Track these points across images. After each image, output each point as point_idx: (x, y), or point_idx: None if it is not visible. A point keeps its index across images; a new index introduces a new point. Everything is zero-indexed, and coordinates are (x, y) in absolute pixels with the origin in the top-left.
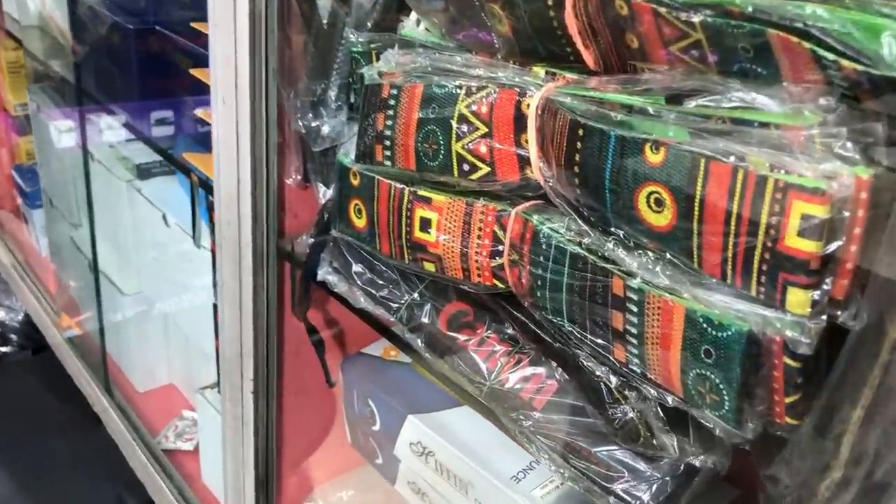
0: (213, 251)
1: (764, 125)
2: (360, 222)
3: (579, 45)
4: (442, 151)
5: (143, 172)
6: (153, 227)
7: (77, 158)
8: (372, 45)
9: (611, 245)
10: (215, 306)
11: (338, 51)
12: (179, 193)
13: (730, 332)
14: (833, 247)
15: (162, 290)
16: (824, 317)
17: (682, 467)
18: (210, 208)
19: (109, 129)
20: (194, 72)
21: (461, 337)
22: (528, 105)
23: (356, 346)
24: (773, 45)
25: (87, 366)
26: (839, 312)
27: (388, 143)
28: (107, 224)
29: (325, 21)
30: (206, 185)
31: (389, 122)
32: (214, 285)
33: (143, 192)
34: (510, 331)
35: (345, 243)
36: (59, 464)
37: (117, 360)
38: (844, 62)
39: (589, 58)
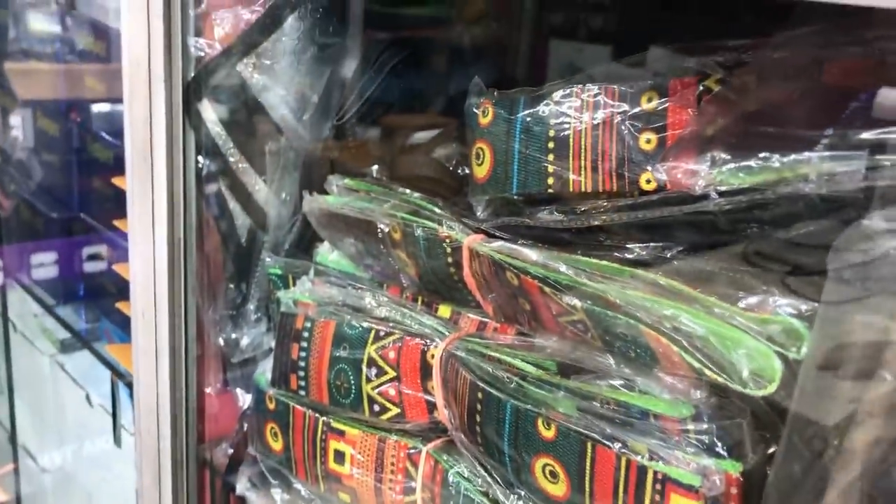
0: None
1: (644, 413)
2: (277, 446)
3: (478, 298)
4: (353, 391)
5: (67, 347)
6: (76, 405)
7: None
8: (288, 270)
9: (514, 503)
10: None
11: (256, 268)
12: (104, 371)
13: None
14: None
15: (84, 468)
16: None
17: None
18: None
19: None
20: (117, 267)
21: None
22: (433, 355)
23: None
24: (648, 338)
25: None
26: None
27: (302, 373)
28: (28, 397)
29: (243, 240)
30: (129, 381)
31: (303, 354)
32: (136, 489)
33: (66, 368)
34: None
35: (262, 461)
36: None
37: None
38: (706, 371)
39: (488, 308)
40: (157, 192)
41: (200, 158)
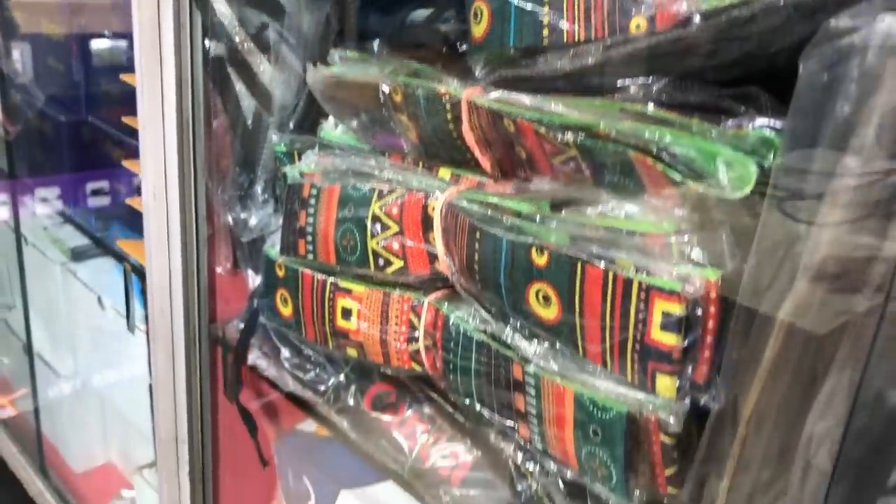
0: (148, 335)
1: (631, 233)
2: (287, 311)
3: (477, 154)
4: (359, 248)
5: (78, 255)
6: (88, 309)
7: (9, 240)
8: (294, 146)
9: (510, 333)
10: (151, 386)
11: (262, 148)
12: (115, 276)
13: (612, 414)
14: (691, 339)
15: (98, 370)
16: (688, 399)
17: None
18: (145, 293)
19: (43, 210)
20: (127, 163)
21: (384, 417)
22: (434, 208)
23: (291, 423)
24: (636, 163)
25: (21, 448)
26: (701, 395)
27: (309, 238)
28: (41, 305)
29: (249, 122)
30: (140, 272)
31: (310, 220)
32: (150, 370)
33: (77, 275)
34: (429, 410)
35: (273, 329)
36: None
37: (53, 441)
38: (690, 182)
39: (486, 164)
40: (166, 75)
41: (206, 40)
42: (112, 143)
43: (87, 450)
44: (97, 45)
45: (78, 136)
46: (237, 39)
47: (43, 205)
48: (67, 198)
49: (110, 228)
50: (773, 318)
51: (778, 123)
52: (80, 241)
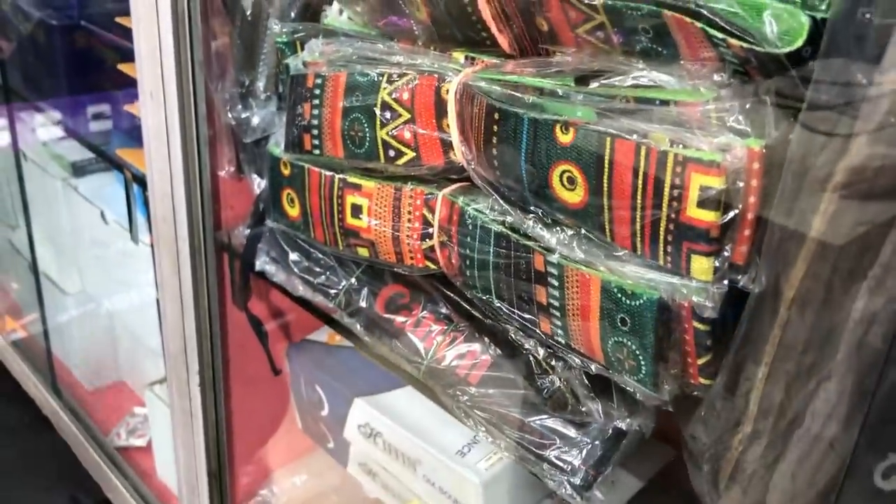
0: (152, 246)
1: (664, 103)
2: (294, 211)
3: (494, 31)
4: (368, 138)
5: (79, 170)
6: (92, 224)
7: (8, 158)
8: (296, 35)
9: (531, 223)
10: (159, 301)
11: (263, 42)
12: (116, 189)
13: (642, 301)
14: (731, 215)
15: (105, 287)
16: (726, 282)
17: (609, 431)
18: (147, 203)
19: (42, 126)
20: (122, 67)
21: (398, 318)
22: (448, 91)
23: (301, 332)
24: (670, 25)
25: (33, 368)
26: (740, 277)
27: (315, 132)
28: (45, 224)
29: (248, 12)
30: (142, 181)
31: (316, 112)
32: (156, 281)
33: (79, 190)
34: (445, 310)
35: (280, 233)
36: (9, 469)
37: (64, 361)
38: (732, 40)
39: (504, 42)
40: None
41: None
42: (107, 47)
43: (97, 368)
44: None
45: (71, 43)
46: None
47: (41, 123)
48: (67, 121)
49: (111, 141)
50: (823, 189)
51: None
52: (81, 155)
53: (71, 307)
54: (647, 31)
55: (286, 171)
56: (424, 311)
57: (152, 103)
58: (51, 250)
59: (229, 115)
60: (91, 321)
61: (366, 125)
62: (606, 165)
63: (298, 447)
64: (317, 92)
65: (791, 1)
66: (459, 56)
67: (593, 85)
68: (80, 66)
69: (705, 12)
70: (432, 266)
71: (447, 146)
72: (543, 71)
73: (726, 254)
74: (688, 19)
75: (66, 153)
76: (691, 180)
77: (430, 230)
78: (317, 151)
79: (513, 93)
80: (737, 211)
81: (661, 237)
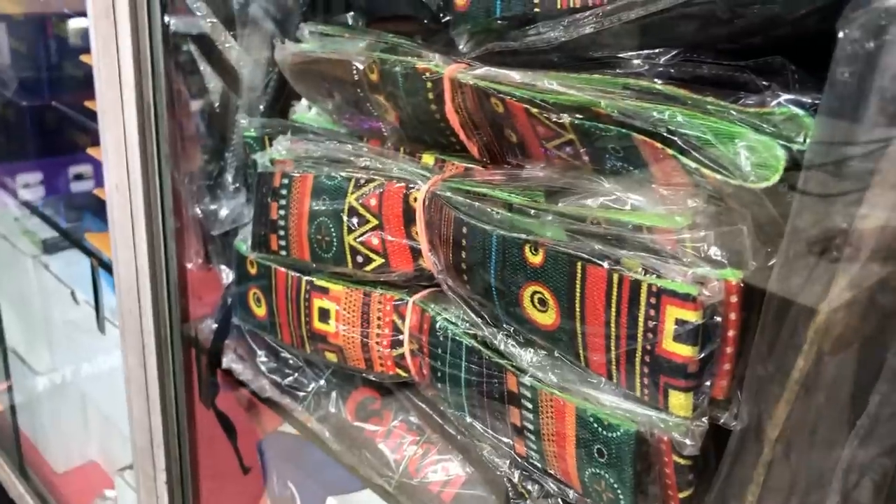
0: None
1: (637, 227)
2: (260, 311)
3: (462, 138)
4: (335, 243)
5: (50, 247)
6: (62, 304)
7: None
8: (264, 131)
9: (503, 339)
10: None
11: (231, 133)
12: (87, 269)
13: (619, 433)
14: (709, 350)
15: (76, 367)
16: (706, 418)
17: None
18: None
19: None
20: (92, 151)
21: (369, 427)
22: (416, 199)
23: (274, 423)
24: (641, 148)
25: None
26: (720, 414)
27: (282, 232)
28: (14, 300)
29: (216, 104)
30: (110, 268)
31: (282, 212)
32: (123, 373)
33: (50, 268)
34: (417, 420)
35: (248, 329)
36: None
37: (33, 440)
38: (706, 171)
39: (473, 148)
40: (122, 53)
41: (166, 17)
42: (77, 128)
43: (68, 449)
44: (59, 24)
45: (42, 123)
46: (199, 14)
47: (11, 195)
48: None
49: (82, 218)
50: (807, 324)
51: (807, 99)
52: (52, 232)
53: (40, 385)
54: (618, 151)
55: (253, 270)
56: (396, 420)
57: (118, 195)
58: (20, 327)
59: (197, 209)
60: (61, 400)
61: (333, 230)
62: (578, 290)
63: None
64: (283, 192)
65: (766, 131)
66: (429, 159)
67: (563, 202)
68: (51, 146)
69: (677, 140)
70: (404, 374)
71: (417, 253)
72: (512, 183)
73: (705, 389)
74: (658, 145)
75: (37, 230)
76: (666, 313)
77: (401, 337)
78: (283, 252)
79: (482, 206)
80: (715, 345)
81: (637, 369)
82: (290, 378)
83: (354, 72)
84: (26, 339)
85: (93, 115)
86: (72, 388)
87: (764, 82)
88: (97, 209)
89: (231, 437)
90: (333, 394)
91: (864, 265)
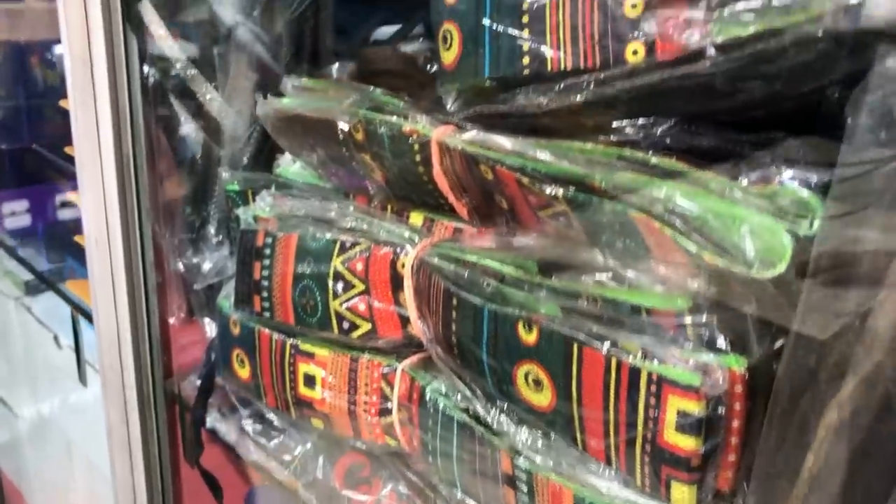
0: None
1: (636, 309)
2: (244, 373)
3: (451, 200)
4: (320, 308)
5: (32, 289)
6: (45, 347)
7: None
8: (247, 185)
9: (496, 417)
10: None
11: (214, 185)
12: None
13: None
14: (713, 443)
15: (61, 412)
16: None
17: None
18: None
19: None
20: (72, 196)
21: (358, 496)
22: (404, 264)
23: (261, 477)
24: (638, 224)
25: None
26: None
27: (265, 293)
28: None
29: (198, 156)
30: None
31: (266, 273)
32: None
33: (32, 311)
34: (407, 490)
35: (231, 390)
36: None
37: (17, 485)
38: (706, 255)
39: (462, 210)
40: (100, 104)
41: (145, 67)
42: (58, 172)
43: (53, 495)
44: (41, 66)
45: (22, 167)
46: (179, 65)
47: None
48: (17, 245)
49: (65, 262)
50: (818, 417)
51: (813, 177)
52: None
53: (23, 431)
54: (614, 227)
55: (236, 330)
56: (385, 489)
57: (97, 250)
58: (2, 370)
59: (179, 263)
60: (46, 446)
61: (318, 294)
62: (574, 372)
63: None
64: (267, 252)
65: (771, 212)
66: (418, 218)
67: (557, 276)
68: (32, 190)
69: (676, 221)
70: (393, 443)
71: (405, 320)
72: (504, 251)
73: (710, 482)
74: (657, 224)
75: (19, 271)
76: (668, 403)
77: (389, 405)
78: (267, 314)
79: (471, 276)
80: (719, 437)
81: (638, 457)
82: (276, 441)
83: (339, 130)
84: (9, 382)
85: (72, 160)
86: (56, 433)
87: (766, 157)
88: (80, 252)
89: (217, 496)
90: (321, 458)
91: (878, 363)
